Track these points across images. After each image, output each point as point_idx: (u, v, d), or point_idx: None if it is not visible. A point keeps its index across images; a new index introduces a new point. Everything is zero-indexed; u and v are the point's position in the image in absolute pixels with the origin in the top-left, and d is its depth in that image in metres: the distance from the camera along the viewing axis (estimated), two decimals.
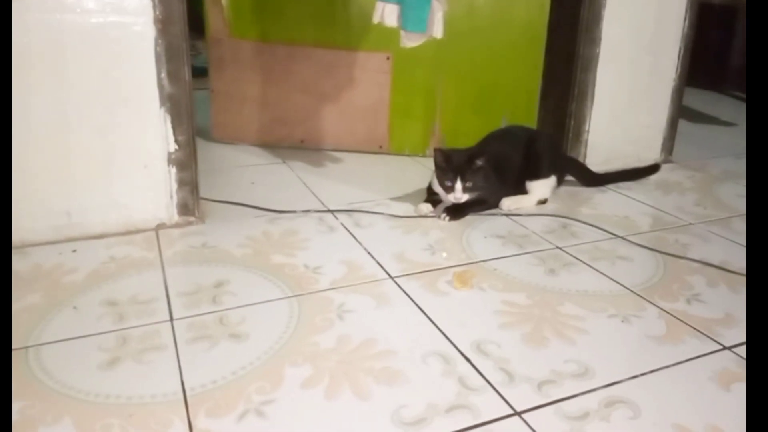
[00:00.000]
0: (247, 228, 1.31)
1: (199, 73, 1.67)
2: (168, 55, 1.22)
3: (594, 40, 1.65)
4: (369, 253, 1.22)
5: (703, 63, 2.24)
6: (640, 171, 1.72)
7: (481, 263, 1.19)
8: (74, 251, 1.18)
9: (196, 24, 1.25)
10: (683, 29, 1.77)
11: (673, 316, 1.03)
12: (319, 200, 1.48)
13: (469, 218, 1.42)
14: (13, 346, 0.88)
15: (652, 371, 0.88)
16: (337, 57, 1.82)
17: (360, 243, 1.26)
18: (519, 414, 0.79)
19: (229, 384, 0.82)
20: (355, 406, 0.79)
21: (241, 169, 1.70)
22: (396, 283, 1.11)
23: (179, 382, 0.82)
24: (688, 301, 1.08)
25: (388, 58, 1.80)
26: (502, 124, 1.85)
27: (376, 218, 1.38)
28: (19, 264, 1.12)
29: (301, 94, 1.87)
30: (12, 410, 0.76)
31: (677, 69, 1.81)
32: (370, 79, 1.83)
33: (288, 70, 1.85)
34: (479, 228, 1.36)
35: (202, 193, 1.36)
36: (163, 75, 1.22)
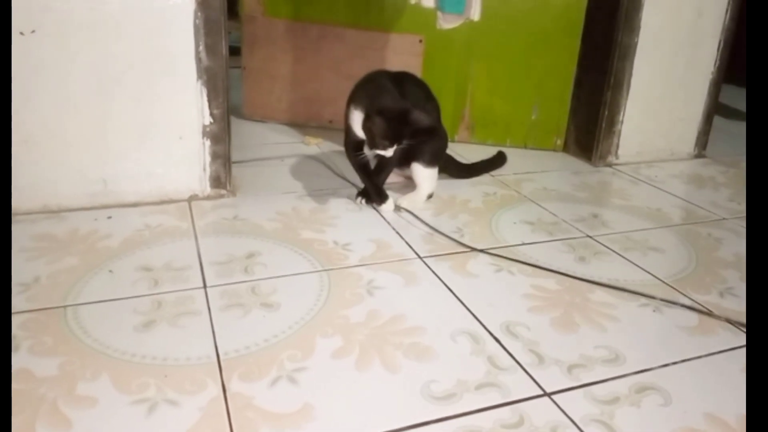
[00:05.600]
0: (277, 203, 1.32)
1: (231, 52, 1.69)
2: (206, 29, 1.23)
3: (633, 29, 1.62)
4: (397, 232, 1.22)
5: (740, 59, 2.18)
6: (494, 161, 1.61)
7: (510, 248, 1.19)
8: (109, 218, 1.20)
9: (228, 4, 1.26)
10: (724, 21, 1.73)
11: (705, 308, 1.02)
12: (347, 180, 1.48)
13: (497, 203, 1.41)
14: (51, 305, 0.91)
15: (683, 360, 0.88)
16: (369, 38, 1.82)
17: (389, 223, 1.27)
18: (549, 395, 0.79)
19: (261, 350, 0.83)
20: (385, 378, 0.80)
21: (270, 147, 1.71)
22: (424, 262, 1.11)
23: (213, 347, 0.83)
24: (721, 294, 1.06)
25: (420, 41, 1.79)
26: (534, 112, 1.83)
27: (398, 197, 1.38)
28: (56, 228, 1.15)
29: (332, 75, 1.87)
30: (52, 365, 0.78)
31: (716, 62, 1.77)
32: (401, 61, 1.82)
33: (319, 50, 1.85)
34: (507, 213, 1.36)
35: (233, 168, 1.37)
36: (201, 48, 1.23)
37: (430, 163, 1.35)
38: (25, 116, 1.15)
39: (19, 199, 1.18)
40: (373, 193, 1.33)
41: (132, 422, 0.69)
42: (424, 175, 1.35)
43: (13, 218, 1.17)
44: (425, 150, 1.33)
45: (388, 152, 1.22)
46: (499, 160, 1.63)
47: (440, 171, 1.41)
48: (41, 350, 0.81)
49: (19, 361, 0.78)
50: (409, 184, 1.41)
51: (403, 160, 1.34)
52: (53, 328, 0.85)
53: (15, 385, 0.74)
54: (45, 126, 1.17)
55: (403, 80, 1.33)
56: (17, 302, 0.90)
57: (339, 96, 1.96)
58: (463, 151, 1.75)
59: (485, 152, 1.78)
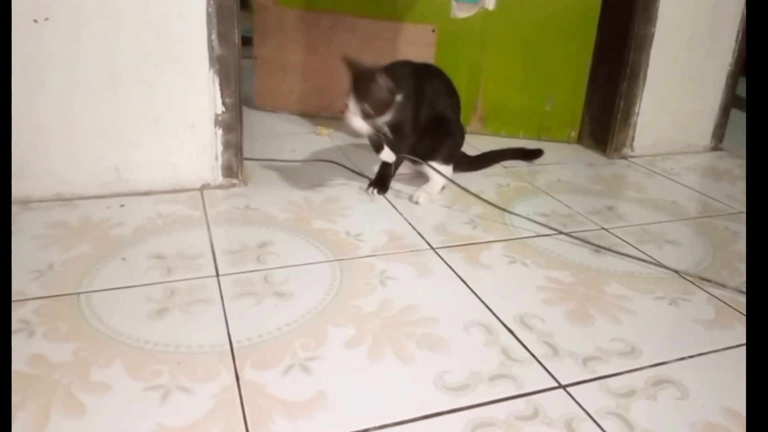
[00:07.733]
0: (289, 193, 1.32)
1: (242, 42, 1.68)
2: (219, 17, 1.22)
3: (650, 19, 1.59)
4: (410, 223, 1.22)
5: None
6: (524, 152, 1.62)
7: (524, 240, 1.18)
8: (122, 206, 1.20)
9: None
10: (743, 12, 1.70)
11: (722, 301, 1.00)
12: (359, 170, 1.47)
13: (510, 195, 1.40)
14: (64, 292, 0.91)
15: (700, 354, 0.86)
16: (381, 28, 1.80)
17: (401, 213, 1.26)
18: (564, 387, 0.78)
19: (274, 339, 0.83)
20: (398, 368, 0.79)
21: (282, 137, 1.71)
22: (437, 253, 1.10)
23: (226, 335, 0.83)
24: (739, 288, 1.05)
25: (433, 31, 1.77)
26: (548, 103, 1.81)
27: (414, 190, 1.37)
28: (69, 215, 1.15)
29: (343, 65, 1.85)
30: (66, 351, 0.78)
31: (734, 53, 1.74)
32: (413, 51, 1.80)
33: (331, 40, 1.84)
34: (522, 205, 1.34)
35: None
36: (214, 36, 1.23)
37: (445, 161, 1.36)
38: (38, 105, 1.15)
39: (32, 187, 1.18)
40: (376, 179, 1.35)
41: (145, 409, 0.69)
42: (440, 170, 1.35)
43: (27, 206, 1.17)
44: (441, 149, 1.35)
45: (356, 120, 1.19)
46: (509, 152, 1.62)
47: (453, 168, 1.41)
48: (55, 336, 0.81)
49: (33, 346, 0.78)
50: (420, 175, 1.40)
51: (420, 158, 1.34)
52: (67, 315, 0.85)
53: (30, 371, 0.74)
54: (58, 114, 1.17)
55: (425, 73, 1.33)
56: (31, 288, 0.91)
57: None
58: (475, 143, 1.74)
59: (498, 144, 1.77)
